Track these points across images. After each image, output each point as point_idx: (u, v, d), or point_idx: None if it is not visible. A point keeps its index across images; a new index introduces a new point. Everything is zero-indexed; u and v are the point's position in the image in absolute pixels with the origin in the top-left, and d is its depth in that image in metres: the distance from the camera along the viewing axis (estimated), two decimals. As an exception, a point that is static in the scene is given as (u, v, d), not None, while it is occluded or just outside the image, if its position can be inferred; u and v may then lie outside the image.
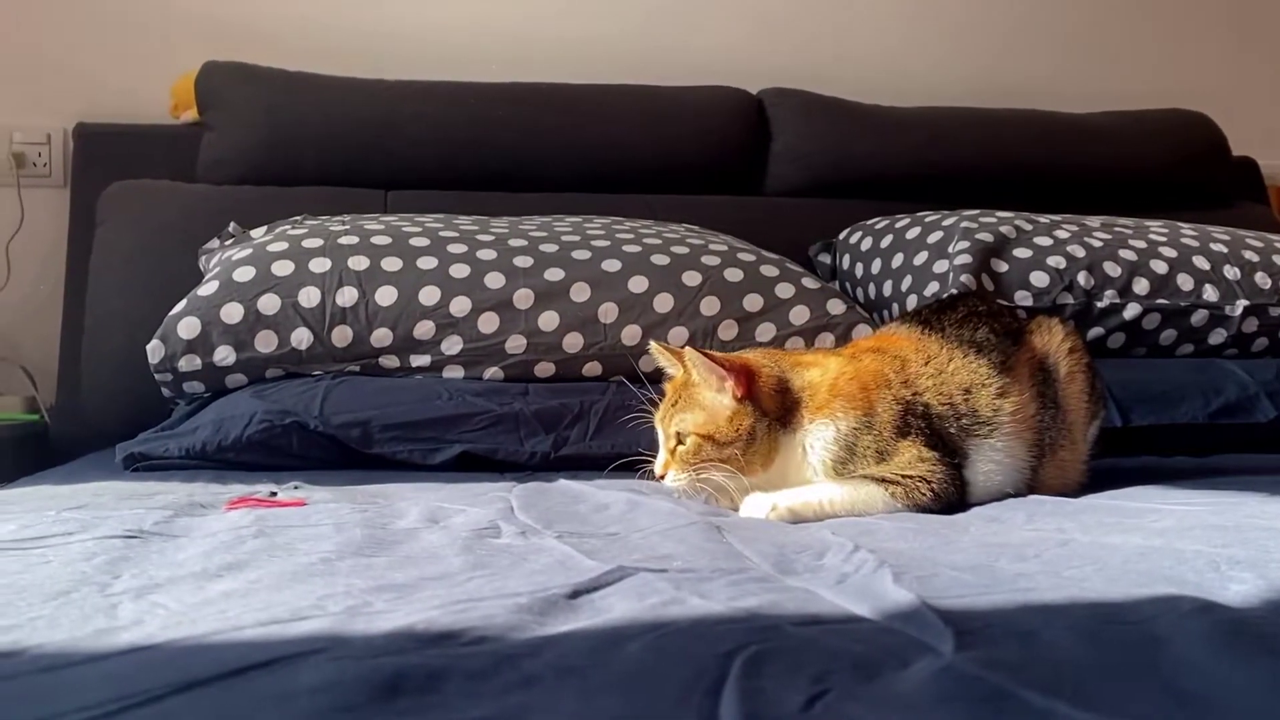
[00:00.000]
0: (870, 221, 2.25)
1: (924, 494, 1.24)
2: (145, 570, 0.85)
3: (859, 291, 2.16)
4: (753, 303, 1.83)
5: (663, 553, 0.90)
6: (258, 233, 1.97)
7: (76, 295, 2.14)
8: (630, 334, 1.76)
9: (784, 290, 1.86)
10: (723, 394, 1.29)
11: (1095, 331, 1.94)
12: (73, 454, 1.90)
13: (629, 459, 1.43)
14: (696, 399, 1.31)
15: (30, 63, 2.35)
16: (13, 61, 2.34)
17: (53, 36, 2.36)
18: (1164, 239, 2.06)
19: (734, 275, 1.86)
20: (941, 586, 0.77)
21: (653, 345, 1.41)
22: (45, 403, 2.20)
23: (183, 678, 0.59)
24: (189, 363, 1.72)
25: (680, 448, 1.29)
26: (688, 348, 1.32)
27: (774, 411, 1.30)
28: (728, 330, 1.79)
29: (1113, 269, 1.97)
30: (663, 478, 1.30)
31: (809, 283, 1.91)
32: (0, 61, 2.34)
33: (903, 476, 1.25)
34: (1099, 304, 1.94)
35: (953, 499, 1.27)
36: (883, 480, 1.25)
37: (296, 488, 1.32)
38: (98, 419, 1.98)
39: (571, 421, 1.65)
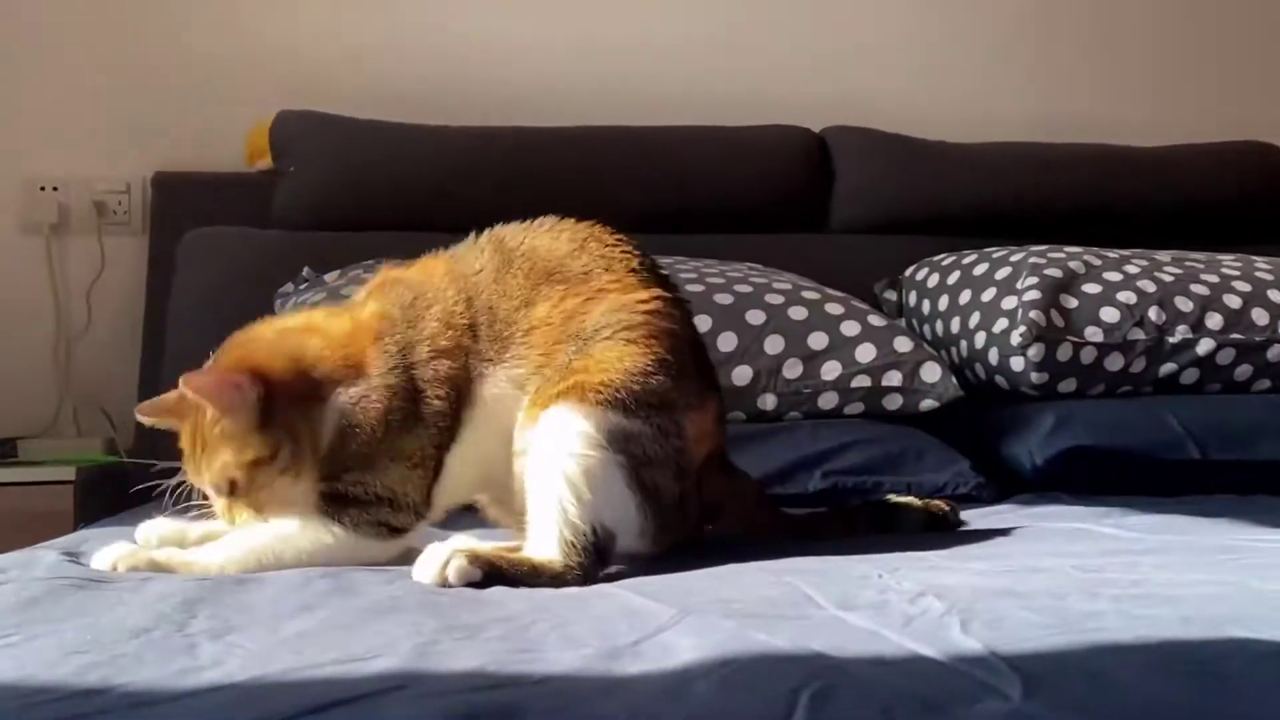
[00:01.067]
0: (937, 258, 2.24)
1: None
2: (220, 612, 0.87)
3: (926, 329, 2.15)
4: (818, 340, 1.83)
5: (724, 597, 0.90)
6: (331, 276, 2.01)
7: (154, 339, 2.20)
8: None
9: (849, 328, 1.86)
10: (244, 409, 1.12)
11: (1168, 367, 1.92)
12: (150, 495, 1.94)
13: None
14: (222, 433, 1.13)
15: (110, 115, 2.43)
16: (94, 114, 2.42)
17: (131, 90, 2.43)
18: (1237, 273, 2.03)
19: (798, 313, 1.86)
20: (1010, 629, 0.76)
21: (139, 411, 1.24)
22: (124, 445, 2.25)
23: (268, 714, 0.60)
24: None
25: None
26: (183, 378, 1.13)
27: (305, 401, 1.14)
28: (792, 369, 1.80)
29: (1184, 304, 1.94)
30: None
31: (875, 320, 1.91)
32: (81, 114, 2.42)
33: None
34: (1171, 339, 1.91)
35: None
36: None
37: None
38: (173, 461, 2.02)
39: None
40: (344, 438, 1.13)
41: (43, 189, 2.39)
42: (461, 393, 1.15)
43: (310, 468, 1.13)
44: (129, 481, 2.10)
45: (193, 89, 2.45)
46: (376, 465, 1.12)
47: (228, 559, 1.11)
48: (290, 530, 1.12)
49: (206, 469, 1.14)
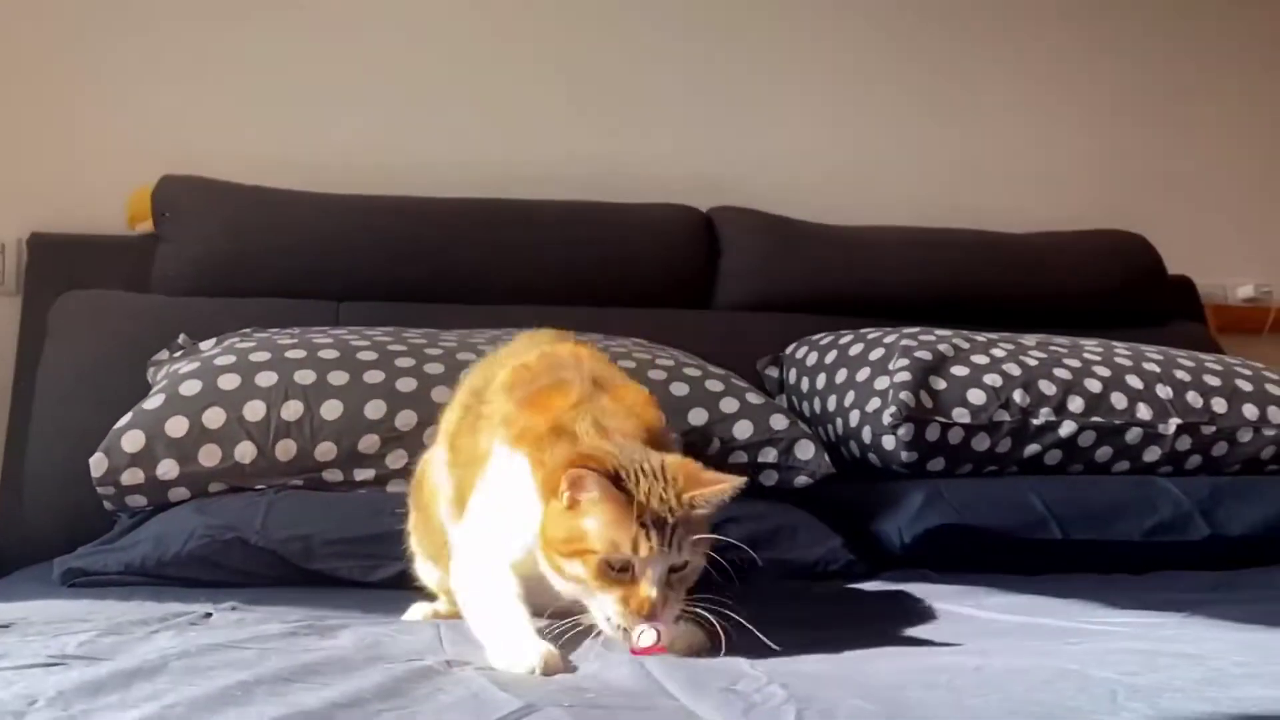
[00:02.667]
0: (816, 337, 2.29)
1: None
2: (64, 695, 0.85)
3: (805, 405, 2.19)
4: (698, 417, 1.86)
5: (580, 685, 0.91)
6: (207, 345, 1.99)
7: (23, 406, 2.14)
8: None
9: (728, 405, 1.89)
10: None
11: (1032, 448, 1.98)
12: (13, 565, 1.88)
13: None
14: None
15: (-14, 173, 2.38)
16: (-32, 172, 2.37)
17: (9, 146, 2.38)
18: (1098, 358, 2.11)
19: (679, 389, 1.89)
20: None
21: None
22: (-14, 512, 2.17)
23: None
24: (132, 476, 1.73)
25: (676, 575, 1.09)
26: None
27: None
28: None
29: (1048, 387, 2.01)
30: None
31: (753, 398, 1.94)
32: (-43, 171, 2.36)
33: None
34: (1035, 421, 1.98)
35: None
36: None
37: (234, 608, 1.31)
38: (40, 532, 1.96)
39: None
40: None
41: (-85, 247, 2.33)
42: None
43: None
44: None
45: (74, 148, 2.41)
46: None
47: None
48: None
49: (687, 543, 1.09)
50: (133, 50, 2.46)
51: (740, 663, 1.02)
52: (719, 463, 1.78)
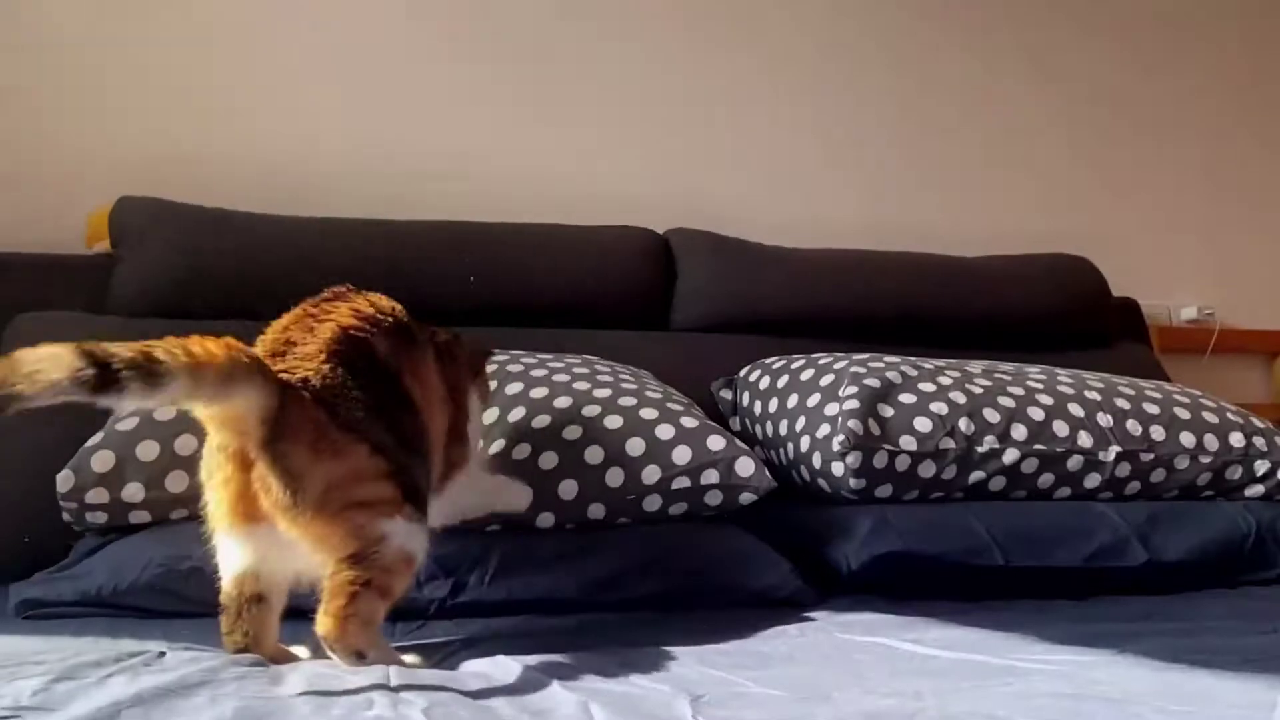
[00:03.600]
0: (768, 360, 2.33)
1: None
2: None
3: (758, 428, 2.23)
4: (635, 447, 1.86)
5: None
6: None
7: (-22, 428, 2.13)
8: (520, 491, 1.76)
9: (664, 431, 1.89)
10: None
11: (977, 475, 2.02)
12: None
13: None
14: None
15: (-58, 192, 2.37)
16: (-75, 190, 2.36)
17: (-34, 164, 2.38)
18: (1041, 386, 2.16)
19: (614, 422, 1.89)
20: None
21: None
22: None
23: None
24: (97, 495, 1.73)
25: None
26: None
27: None
28: (614, 478, 1.82)
29: (992, 415, 2.06)
30: None
31: (688, 421, 1.94)
32: (-89, 189, 2.36)
33: None
34: (979, 449, 2.02)
35: None
36: None
37: (188, 647, 1.32)
38: (-3, 553, 1.97)
39: (469, 567, 1.68)
40: None
41: None
42: None
43: None
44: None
45: (32, 165, 2.41)
46: None
47: None
48: None
49: None
50: (92, 69, 2.46)
51: (684, 709, 1.05)
52: (664, 489, 1.83)
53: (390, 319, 1.42)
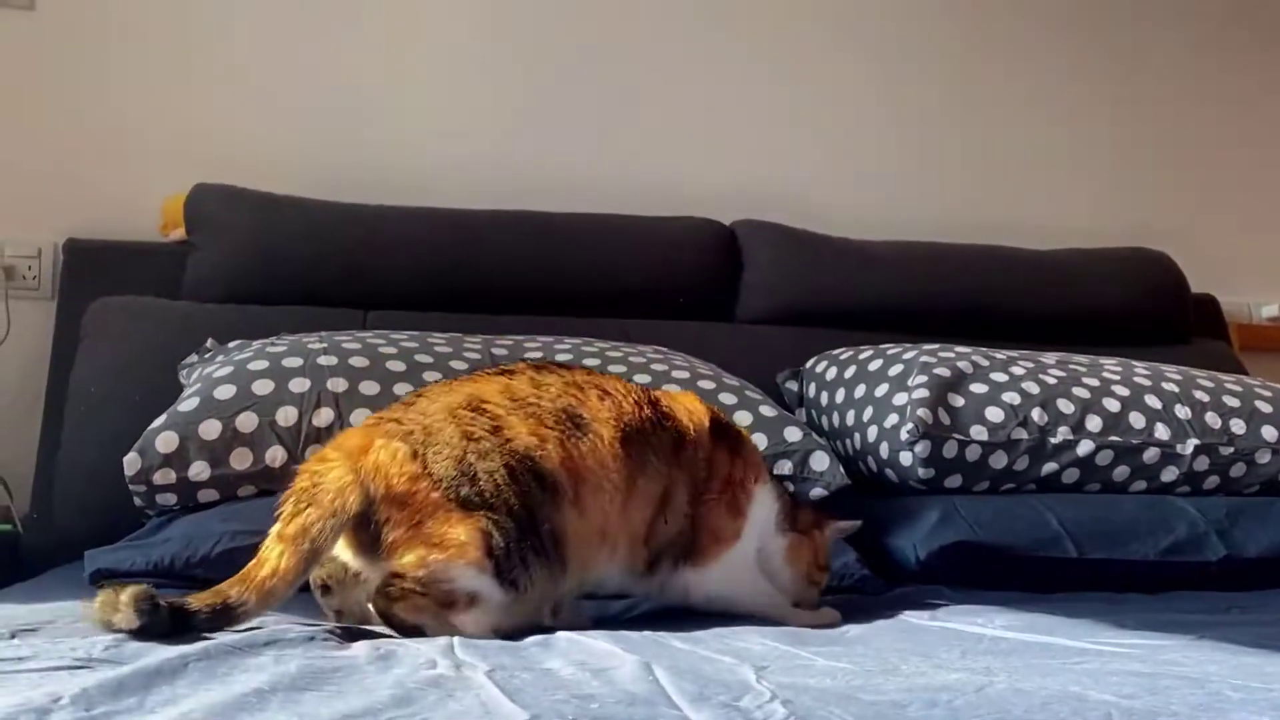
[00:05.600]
0: (835, 351, 2.31)
1: None
2: (87, 695, 0.88)
3: (824, 419, 2.21)
4: (712, 431, 1.87)
5: (586, 692, 0.93)
6: (234, 345, 2.02)
7: (56, 407, 2.18)
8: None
9: (742, 418, 1.90)
10: None
11: (1050, 466, 1.99)
12: (44, 564, 1.93)
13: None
14: None
15: (24, 178, 2.43)
16: (7, 176, 2.42)
17: (47, 153, 2.44)
18: (1117, 377, 2.11)
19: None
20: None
21: None
22: (20, 512, 2.22)
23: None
24: (164, 476, 1.76)
25: None
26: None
27: None
28: (689, 459, 1.83)
29: (1066, 406, 2.02)
30: None
31: (766, 410, 1.95)
32: (-4, 176, 2.42)
33: None
34: (1053, 440, 1.99)
35: None
36: None
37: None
38: (69, 530, 2.01)
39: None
40: None
41: (-49, 251, 2.38)
42: None
43: None
44: (22, 551, 2.10)
45: (110, 155, 2.47)
46: None
47: None
48: None
49: None
50: (167, 59, 2.51)
51: (748, 675, 1.04)
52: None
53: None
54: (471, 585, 1.24)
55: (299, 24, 2.59)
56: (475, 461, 1.26)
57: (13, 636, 1.14)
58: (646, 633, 1.28)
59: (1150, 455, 2.02)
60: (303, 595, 1.33)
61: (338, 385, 1.85)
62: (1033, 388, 2.04)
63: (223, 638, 1.11)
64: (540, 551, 1.27)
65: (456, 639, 1.18)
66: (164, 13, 2.52)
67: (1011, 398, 2.02)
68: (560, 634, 1.24)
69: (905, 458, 1.97)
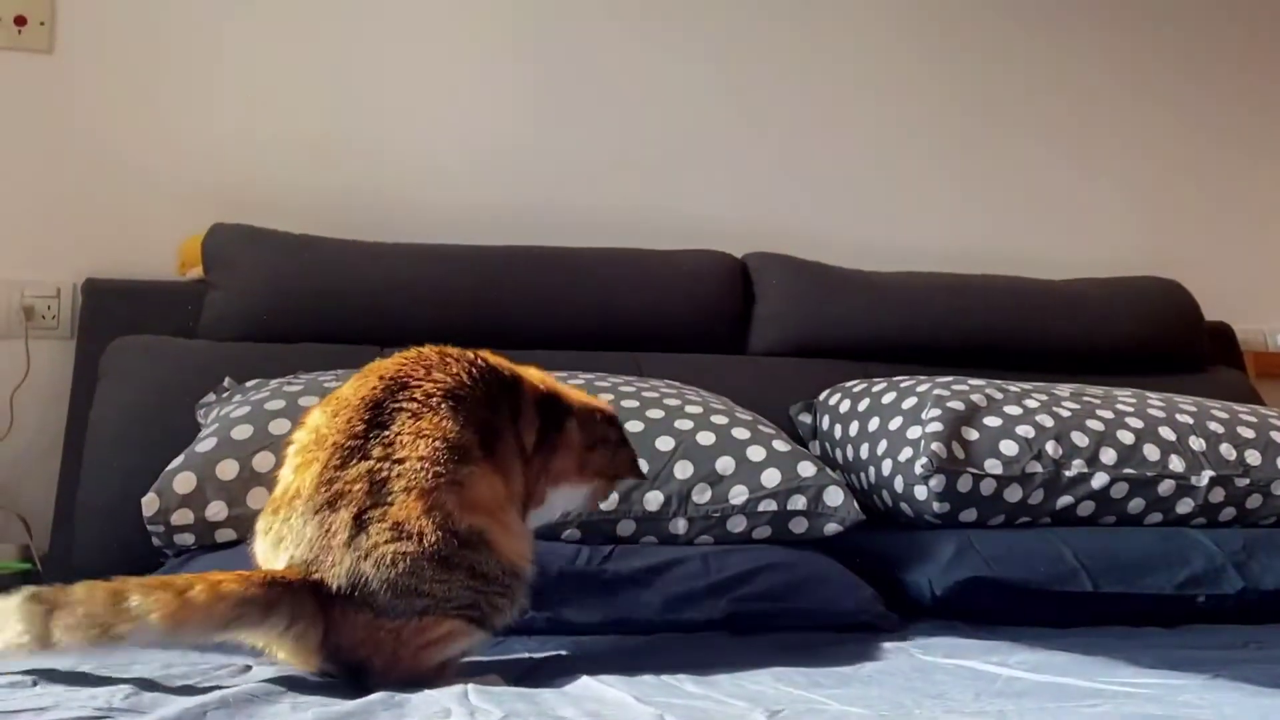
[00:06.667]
0: (849, 384, 2.31)
1: None
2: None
3: (838, 453, 2.21)
4: (725, 465, 1.87)
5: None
6: (251, 384, 2.03)
7: (76, 447, 2.20)
8: (609, 500, 1.79)
9: (755, 453, 1.90)
10: None
11: (1065, 500, 1.98)
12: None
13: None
14: None
15: (42, 219, 2.45)
16: (26, 217, 2.44)
17: (66, 194, 2.46)
18: (1131, 409, 2.11)
19: (706, 438, 1.91)
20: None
21: None
22: (39, 551, 2.24)
23: None
24: (182, 516, 1.77)
25: None
26: None
27: None
28: (701, 494, 1.84)
29: (1080, 439, 2.02)
30: None
31: (780, 445, 1.95)
32: (13, 217, 2.43)
33: None
34: (1067, 473, 1.99)
35: None
36: None
37: (273, 662, 1.34)
38: (88, 569, 1.97)
39: (550, 586, 1.68)
40: None
41: (-30, 291, 2.41)
42: None
43: None
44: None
45: (128, 196, 2.48)
46: None
47: None
48: None
49: None
50: (184, 101, 2.54)
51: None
52: (749, 511, 1.83)
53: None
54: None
55: (316, 66, 2.61)
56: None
57: (34, 684, 1.16)
58: (663, 677, 1.29)
59: (1165, 487, 2.01)
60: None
61: None
62: (1047, 421, 2.04)
63: (241, 688, 1.12)
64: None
65: (471, 686, 1.19)
66: (181, 55, 2.54)
67: (1026, 431, 2.02)
68: (576, 681, 1.25)
69: (920, 492, 1.97)
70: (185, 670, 1.24)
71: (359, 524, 1.22)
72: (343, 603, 1.20)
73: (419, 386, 1.33)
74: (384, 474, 1.25)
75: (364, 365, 2.10)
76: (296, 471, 1.31)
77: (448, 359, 1.39)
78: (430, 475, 1.24)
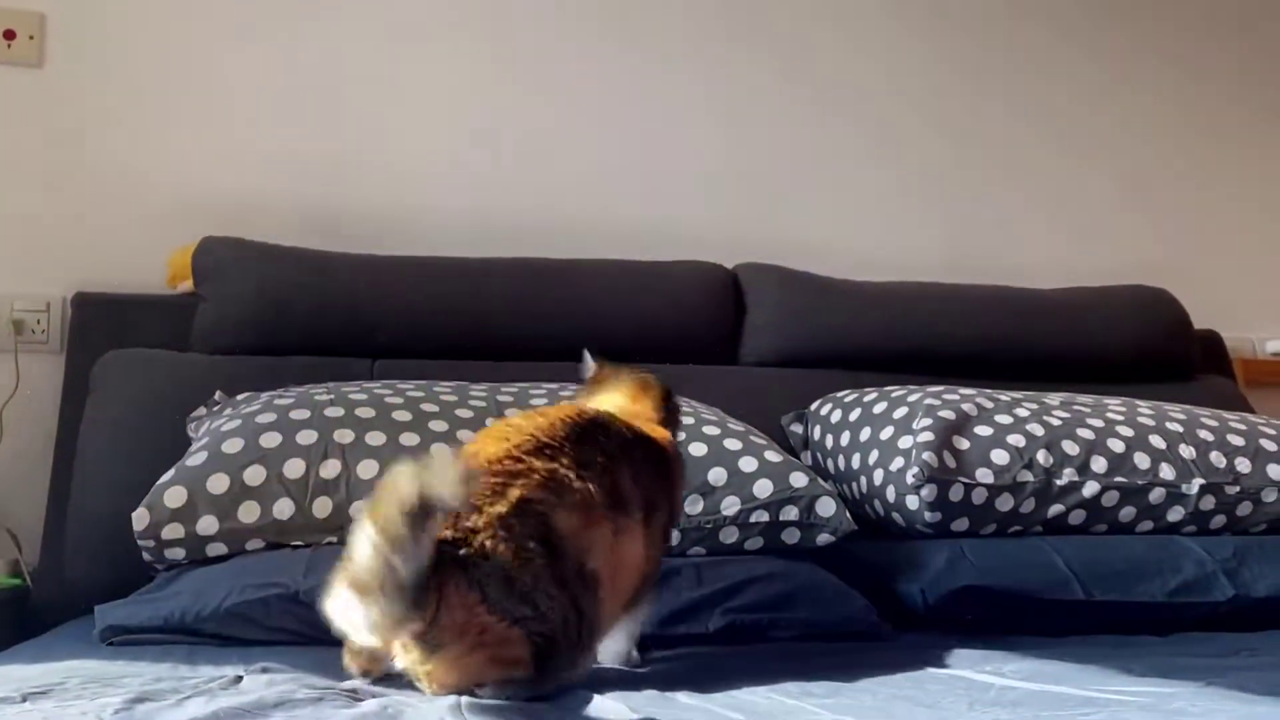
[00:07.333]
0: (840, 394, 2.31)
1: None
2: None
3: (830, 463, 2.21)
4: (717, 476, 1.88)
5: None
6: (242, 398, 2.03)
7: (65, 461, 2.19)
8: None
9: (747, 464, 1.91)
10: None
11: (1056, 508, 1.99)
12: (54, 617, 1.93)
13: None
14: None
15: (32, 232, 2.45)
16: (15, 231, 2.44)
17: (55, 208, 2.46)
18: (1121, 418, 2.12)
19: (698, 449, 1.91)
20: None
21: None
22: (29, 566, 2.23)
23: None
24: (172, 531, 1.76)
25: None
26: None
27: None
28: (693, 505, 1.84)
29: (1071, 447, 2.02)
30: None
31: (771, 455, 1.96)
32: (2, 231, 2.43)
33: None
34: (1058, 482, 1.99)
35: None
36: None
37: (264, 670, 1.34)
38: (79, 584, 2.01)
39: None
40: None
41: (-41, 306, 2.40)
42: None
43: None
44: (32, 605, 2.10)
45: (117, 209, 2.48)
46: None
47: None
48: None
49: None
50: (173, 114, 2.54)
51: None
52: (742, 522, 1.83)
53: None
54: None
55: (304, 79, 2.61)
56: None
57: (24, 700, 1.15)
58: (658, 689, 1.29)
59: (1156, 495, 2.02)
60: (317, 654, 1.34)
61: (344, 436, 1.86)
62: (1037, 430, 2.05)
63: (231, 701, 1.12)
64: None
65: (464, 699, 1.18)
66: (170, 69, 2.55)
67: (1017, 440, 2.02)
68: (571, 694, 1.25)
69: (911, 501, 1.97)
70: (175, 684, 1.23)
71: (521, 507, 1.22)
72: (460, 572, 1.17)
73: (615, 429, 1.39)
74: (567, 480, 1.26)
75: (355, 377, 2.16)
76: (481, 441, 1.33)
77: (650, 426, 1.48)
78: (605, 506, 1.28)
